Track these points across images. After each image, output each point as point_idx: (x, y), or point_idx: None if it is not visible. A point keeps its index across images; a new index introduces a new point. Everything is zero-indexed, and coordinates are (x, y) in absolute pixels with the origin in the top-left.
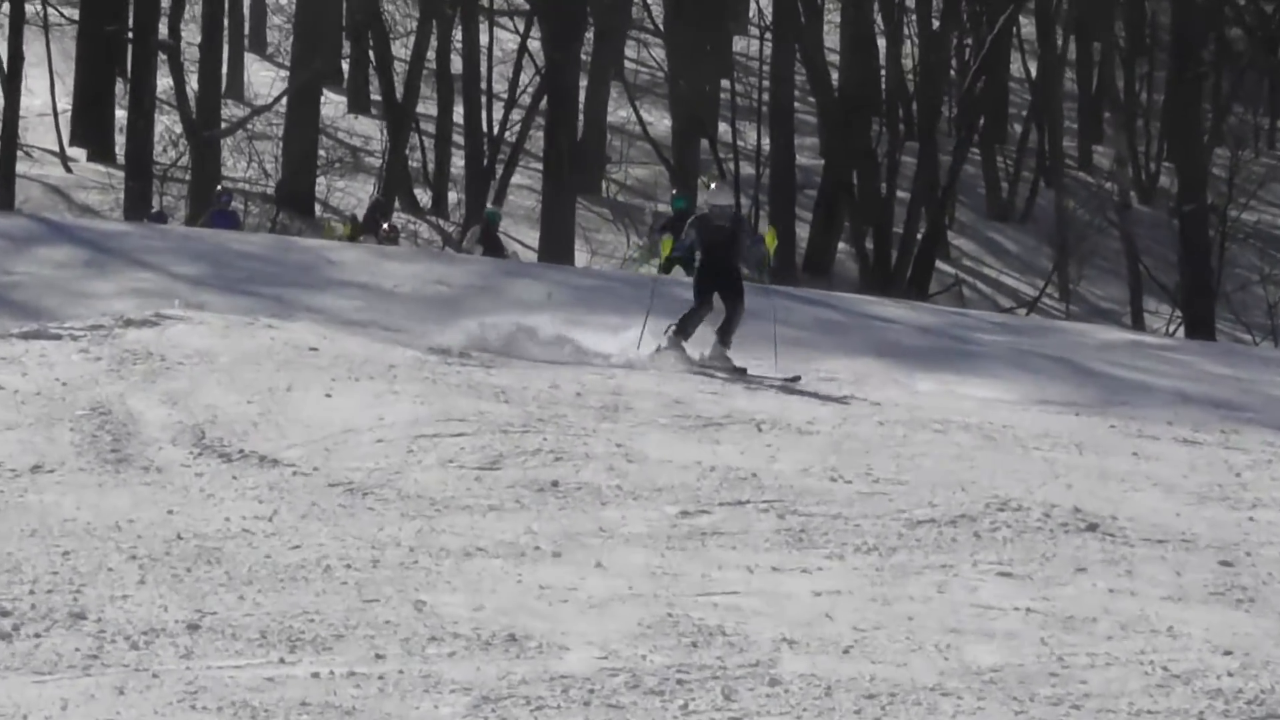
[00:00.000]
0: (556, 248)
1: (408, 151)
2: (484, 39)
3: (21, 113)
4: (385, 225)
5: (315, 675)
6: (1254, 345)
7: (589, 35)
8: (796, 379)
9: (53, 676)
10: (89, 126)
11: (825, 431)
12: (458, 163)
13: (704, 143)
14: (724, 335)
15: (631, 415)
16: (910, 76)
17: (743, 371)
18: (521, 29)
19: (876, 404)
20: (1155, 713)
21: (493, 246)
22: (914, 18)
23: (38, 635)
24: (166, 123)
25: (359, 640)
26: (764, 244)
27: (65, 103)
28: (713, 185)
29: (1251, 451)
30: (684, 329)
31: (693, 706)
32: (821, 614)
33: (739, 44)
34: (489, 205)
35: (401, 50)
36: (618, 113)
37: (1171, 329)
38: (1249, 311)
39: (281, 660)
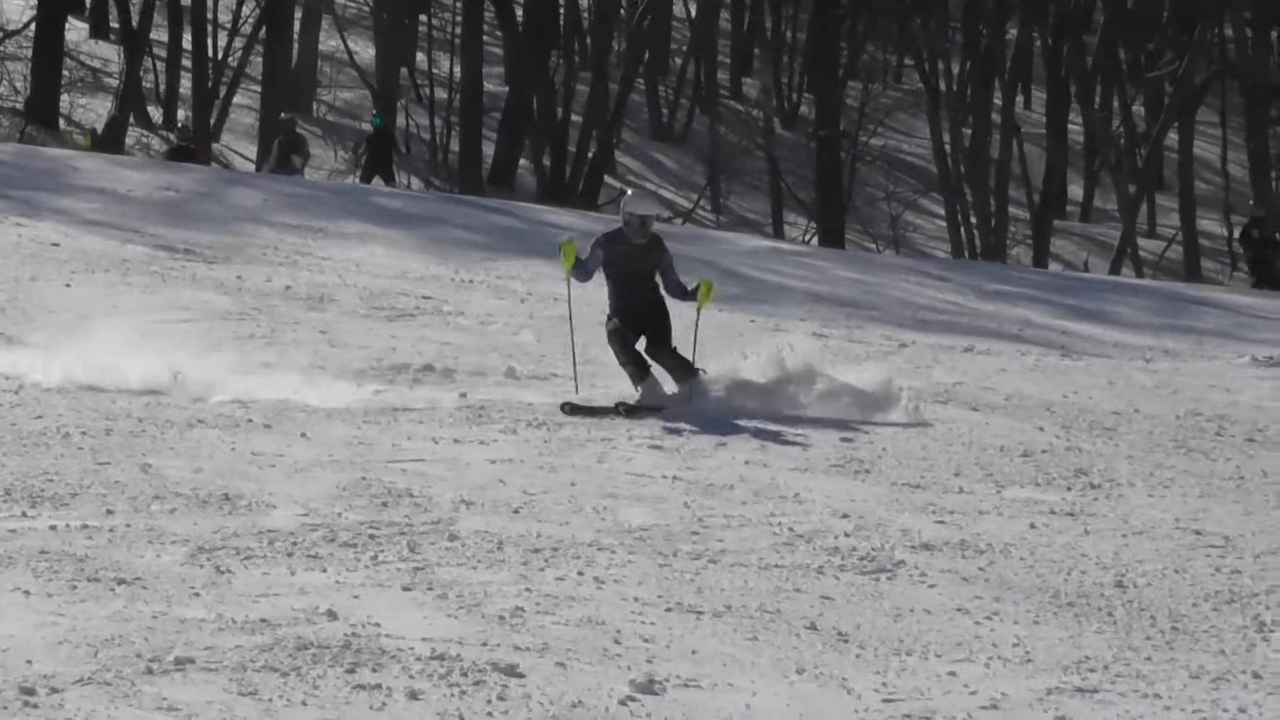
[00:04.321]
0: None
1: (142, 73)
2: None
3: None
4: (182, 142)
5: (53, 528)
6: (878, 253)
7: None
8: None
9: None
10: None
11: (502, 322)
12: (186, 84)
13: (404, 70)
14: (683, 381)
15: (336, 306)
16: (585, 14)
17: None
18: None
19: (555, 299)
20: (782, 566)
21: (290, 152)
22: None
23: None
24: None
25: (92, 498)
26: (693, 299)
27: None
28: (629, 191)
29: (872, 344)
30: (639, 374)
31: (382, 557)
32: (496, 479)
33: None
34: (283, 114)
35: None
36: (328, 42)
37: (807, 238)
38: (875, 224)
39: (24, 514)
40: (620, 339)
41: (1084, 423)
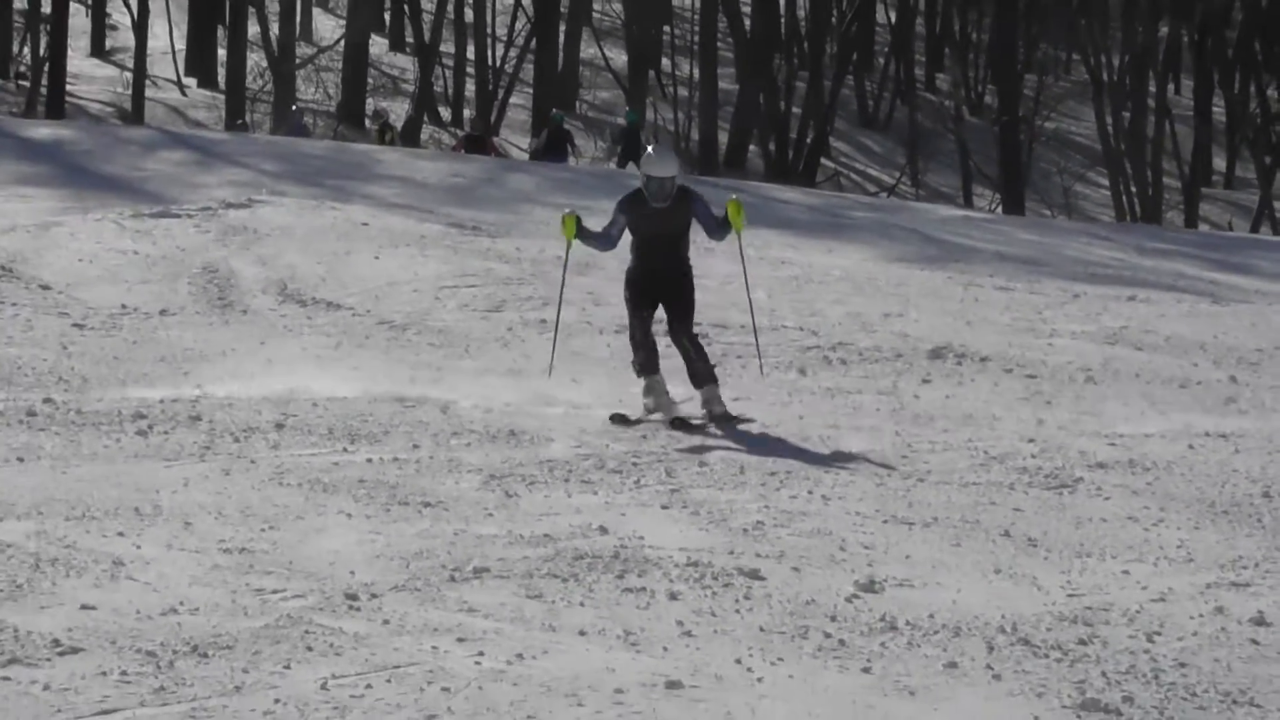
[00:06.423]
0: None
1: (433, 80)
2: None
3: (148, 51)
4: (475, 133)
5: (369, 460)
6: (1053, 219)
7: None
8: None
9: (177, 462)
10: (198, 61)
11: (738, 283)
12: (470, 87)
13: (651, 73)
14: (700, 376)
15: (602, 272)
16: (803, 23)
17: (736, 420)
18: None
19: (782, 262)
20: (979, 484)
21: (559, 144)
22: None
23: (166, 432)
24: (255, 59)
25: (400, 435)
26: (730, 227)
27: (180, 43)
28: (649, 150)
29: (1050, 296)
30: (648, 366)
31: (644, 481)
32: (738, 413)
33: None
34: (554, 110)
35: (428, 3)
36: (587, 50)
37: (993, 207)
38: (1049, 194)
39: (344, 450)
40: (639, 316)
41: (1232, 358)
